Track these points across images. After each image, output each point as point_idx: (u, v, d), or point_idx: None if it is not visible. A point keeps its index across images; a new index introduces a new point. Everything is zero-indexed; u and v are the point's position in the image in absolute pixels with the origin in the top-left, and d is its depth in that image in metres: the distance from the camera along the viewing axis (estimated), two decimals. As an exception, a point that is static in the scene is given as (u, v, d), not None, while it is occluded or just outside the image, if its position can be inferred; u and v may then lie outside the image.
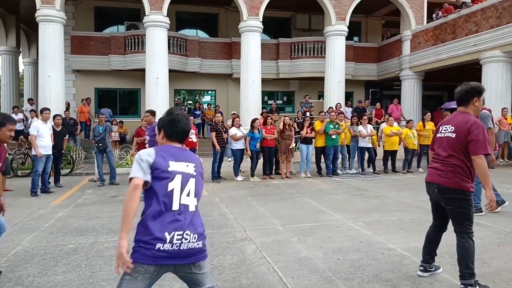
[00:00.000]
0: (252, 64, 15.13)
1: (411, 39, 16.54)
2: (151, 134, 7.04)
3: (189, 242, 2.05)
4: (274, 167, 10.31)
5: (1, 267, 3.89)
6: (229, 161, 11.67)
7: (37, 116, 11.68)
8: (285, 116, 10.35)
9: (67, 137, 9.28)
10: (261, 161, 10.05)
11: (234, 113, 13.68)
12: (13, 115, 13.91)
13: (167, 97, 14.79)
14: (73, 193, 8.15)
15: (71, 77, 16.68)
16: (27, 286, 3.47)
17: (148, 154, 2.13)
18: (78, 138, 13.30)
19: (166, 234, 2.00)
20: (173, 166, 2.14)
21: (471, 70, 15.86)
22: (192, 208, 2.14)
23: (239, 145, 9.66)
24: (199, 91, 19.28)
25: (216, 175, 9.55)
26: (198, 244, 2.09)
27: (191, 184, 2.17)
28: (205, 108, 17.04)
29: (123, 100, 18.24)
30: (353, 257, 4.14)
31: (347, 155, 10.81)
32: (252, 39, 15.10)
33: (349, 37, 16.74)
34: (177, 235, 2.02)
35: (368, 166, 10.86)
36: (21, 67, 22.19)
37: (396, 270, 3.77)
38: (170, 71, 15.02)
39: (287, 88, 19.31)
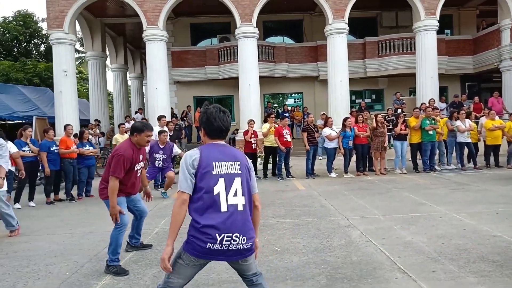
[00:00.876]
0: (339, 65, 15.37)
1: (511, 28, 15.40)
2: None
3: (237, 243, 2.17)
4: (367, 164, 10.50)
5: (149, 241, 4.82)
6: (320, 159, 12.09)
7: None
8: (376, 114, 10.48)
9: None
10: (353, 158, 10.33)
11: (324, 114, 14.08)
12: (126, 123, 15.96)
13: (259, 101, 15.69)
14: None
15: (172, 88, 18.43)
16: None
17: (192, 161, 2.23)
18: (183, 141, 14.77)
19: (217, 235, 2.14)
20: (217, 168, 2.22)
21: None
22: (240, 208, 2.23)
23: (332, 144, 10.04)
24: (287, 94, 19.98)
25: (310, 172, 10.06)
26: (246, 246, 2.21)
27: (237, 183, 2.25)
28: (293, 111, 17.65)
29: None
30: (458, 241, 4.35)
31: (445, 151, 10.57)
32: (338, 41, 15.35)
33: (440, 31, 16.12)
34: (227, 236, 2.15)
35: (469, 162, 10.50)
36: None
37: (503, 253, 3.91)
38: (260, 77, 15.89)
39: (376, 86, 19.14)
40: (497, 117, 10.56)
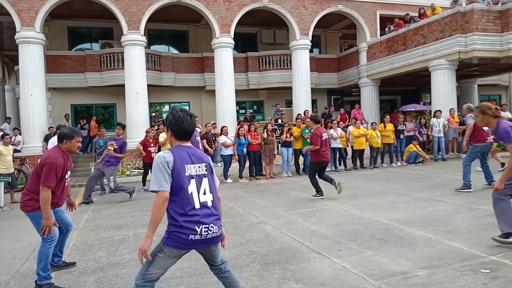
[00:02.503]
0: (226, 77, 16.25)
1: (367, 50, 18.37)
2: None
3: (212, 232, 2.57)
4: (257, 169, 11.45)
5: (70, 255, 4.73)
6: (219, 166, 12.67)
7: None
8: (266, 124, 11.53)
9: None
10: (246, 164, 11.16)
11: (214, 123, 14.69)
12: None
13: (147, 110, 15.57)
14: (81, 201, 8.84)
15: (47, 95, 16.92)
16: (106, 263, 4.37)
17: (167, 162, 2.52)
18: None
19: (196, 227, 2.50)
20: (189, 170, 2.57)
21: (421, 76, 17.92)
22: (209, 204, 2.61)
23: (228, 151, 10.71)
24: (174, 103, 20.10)
25: None
26: (218, 233, 2.62)
27: (205, 183, 2.61)
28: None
29: (99, 114, 18.69)
30: (351, 227, 5.35)
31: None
32: (225, 54, 16.24)
33: (310, 49, 18.30)
34: (204, 227, 2.53)
35: (340, 164, 12.22)
36: None
37: (386, 232, 5.00)
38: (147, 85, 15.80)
39: (257, 98, 20.59)
40: (361, 126, 12.53)
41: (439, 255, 4.06)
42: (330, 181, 7.62)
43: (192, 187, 2.56)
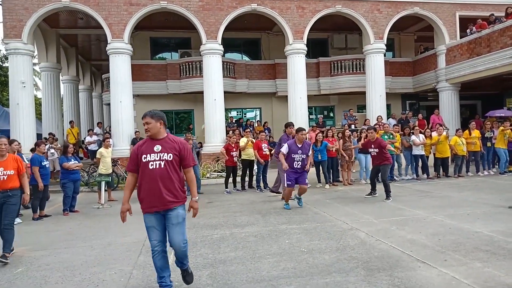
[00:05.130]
0: (299, 83, 16.40)
1: (446, 53, 17.53)
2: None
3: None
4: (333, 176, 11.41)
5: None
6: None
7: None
8: (344, 130, 11.49)
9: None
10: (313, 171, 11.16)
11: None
12: (88, 137, 15.61)
13: (223, 116, 16.18)
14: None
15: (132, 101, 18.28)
16: (213, 259, 4.69)
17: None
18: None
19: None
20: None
21: (504, 80, 16.76)
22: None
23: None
24: (246, 109, 20.68)
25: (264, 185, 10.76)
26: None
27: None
28: (251, 124, 18.32)
29: (178, 119, 19.74)
30: (451, 237, 5.21)
31: (402, 163, 11.82)
32: (298, 61, 16.40)
33: (383, 53, 17.86)
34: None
35: (423, 173, 11.79)
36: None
37: (490, 244, 4.82)
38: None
39: (327, 103, 20.50)
40: (444, 132, 11.99)
41: (560, 271, 3.85)
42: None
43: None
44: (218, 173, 13.58)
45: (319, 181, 10.92)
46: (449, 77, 17.31)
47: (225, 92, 17.30)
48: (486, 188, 9.49)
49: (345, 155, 10.92)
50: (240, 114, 20.69)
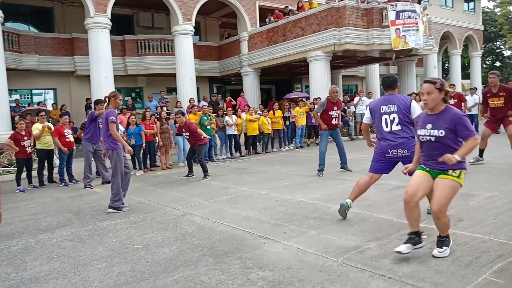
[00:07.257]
0: (103, 61, 14.75)
1: (248, 39, 18.76)
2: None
3: None
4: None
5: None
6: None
7: None
8: (160, 111, 10.85)
9: None
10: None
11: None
12: None
13: (7, 98, 13.20)
14: None
15: None
16: (18, 279, 3.52)
17: None
18: None
19: None
20: None
21: (294, 66, 19.09)
22: None
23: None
24: (37, 90, 17.51)
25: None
26: None
27: None
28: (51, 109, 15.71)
29: None
30: (281, 209, 5.37)
31: (218, 143, 12.03)
32: (101, 36, 14.70)
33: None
34: None
35: (235, 151, 12.28)
36: None
37: (316, 211, 5.16)
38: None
39: (135, 85, 19.33)
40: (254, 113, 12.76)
41: (376, 227, 4.34)
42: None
43: None
44: (4, 168, 10.99)
45: (134, 167, 10.04)
46: (251, 62, 18.61)
47: (8, 69, 14.23)
48: (291, 161, 10.52)
49: (160, 140, 10.35)
50: (28, 98, 17.38)
